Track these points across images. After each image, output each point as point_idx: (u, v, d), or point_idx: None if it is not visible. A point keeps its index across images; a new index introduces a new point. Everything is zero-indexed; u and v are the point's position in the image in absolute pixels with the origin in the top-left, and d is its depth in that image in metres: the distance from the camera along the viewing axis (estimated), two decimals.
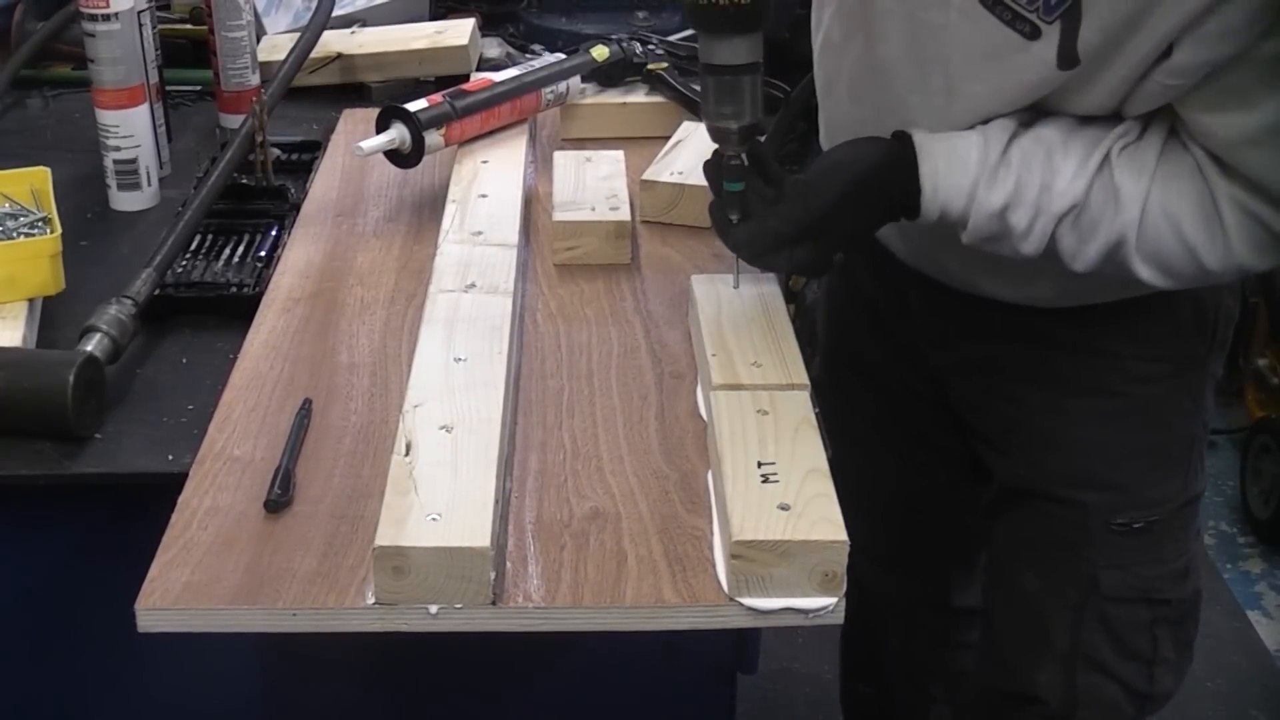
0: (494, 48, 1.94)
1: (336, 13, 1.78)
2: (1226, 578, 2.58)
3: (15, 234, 1.24)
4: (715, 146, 1.12)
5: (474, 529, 0.87)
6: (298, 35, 1.68)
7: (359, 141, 1.37)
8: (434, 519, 0.88)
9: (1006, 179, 1.06)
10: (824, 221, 1.08)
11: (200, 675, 1.12)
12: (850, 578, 0.89)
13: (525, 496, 0.97)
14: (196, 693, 1.15)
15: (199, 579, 0.89)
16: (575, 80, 1.58)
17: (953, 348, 1.31)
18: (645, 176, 1.40)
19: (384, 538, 0.86)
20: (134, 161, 1.46)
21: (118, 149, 1.45)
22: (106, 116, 1.45)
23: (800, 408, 1.01)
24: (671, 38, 1.66)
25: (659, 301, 1.24)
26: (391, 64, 1.80)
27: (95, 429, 1.08)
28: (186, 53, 1.78)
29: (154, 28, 1.49)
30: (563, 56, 1.61)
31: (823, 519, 0.89)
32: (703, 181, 1.36)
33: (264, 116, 1.42)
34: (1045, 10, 1.01)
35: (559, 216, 1.32)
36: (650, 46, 1.63)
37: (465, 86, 1.47)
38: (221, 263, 1.33)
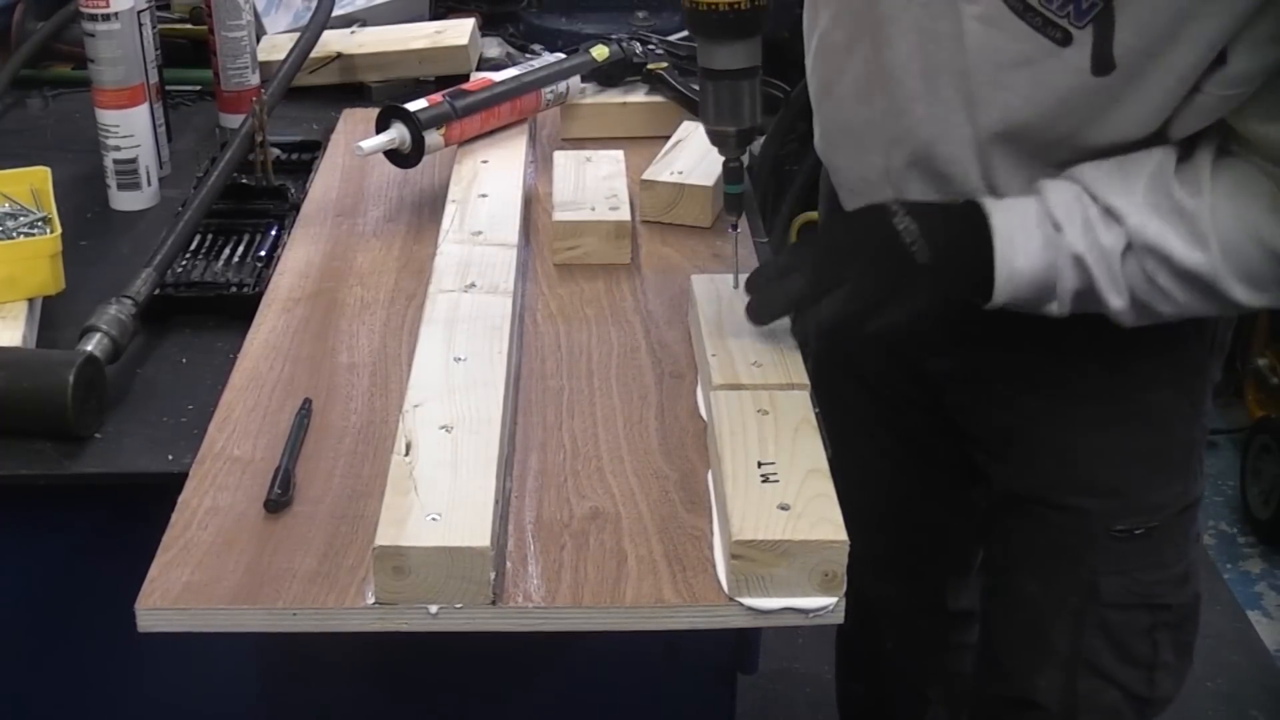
0: (494, 48, 1.94)
1: (336, 13, 1.78)
2: (1226, 578, 2.58)
3: (15, 234, 1.24)
4: (715, 147, 1.12)
5: (474, 529, 0.87)
6: (298, 35, 1.68)
7: (359, 141, 1.37)
8: (434, 519, 0.88)
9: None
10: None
11: (200, 675, 1.12)
12: (846, 579, 0.89)
13: (525, 496, 0.97)
14: (196, 693, 1.15)
15: (199, 579, 0.89)
16: (575, 80, 1.58)
17: (950, 354, 1.31)
18: (645, 176, 1.40)
19: (384, 537, 0.86)
20: (134, 161, 1.46)
21: (118, 149, 1.45)
22: (106, 116, 1.45)
23: (800, 408, 1.01)
24: (671, 37, 1.66)
25: (659, 301, 1.24)
26: (391, 64, 1.80)
27: (95, 429, 1.08)
28: (186, 53, 1.78)
29: (154, 28, 1.49)
30: (563, 56, 1.61)
31: (823, 519, 0.89)
32: (703, 181, 1.37)
33: (264, 116, 1.42)
34: (1076, 15, 0.99)
35: (559, 216, 1.32)
36: (650, 46, 1.63)
37: (465, 86, 1.47)
38: (221, 263, 1.33)
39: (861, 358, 1.44)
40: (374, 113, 1.41)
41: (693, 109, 1.56)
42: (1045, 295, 1.08)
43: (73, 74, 1.78)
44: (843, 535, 0.87)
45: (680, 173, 1.39)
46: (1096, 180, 1.06)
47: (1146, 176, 1.05)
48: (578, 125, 1.59)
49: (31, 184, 1.29)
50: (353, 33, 1.85)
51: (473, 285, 1.18)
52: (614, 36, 1.63)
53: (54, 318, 1.22)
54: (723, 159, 1.13)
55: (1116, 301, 1.07)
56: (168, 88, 1.58)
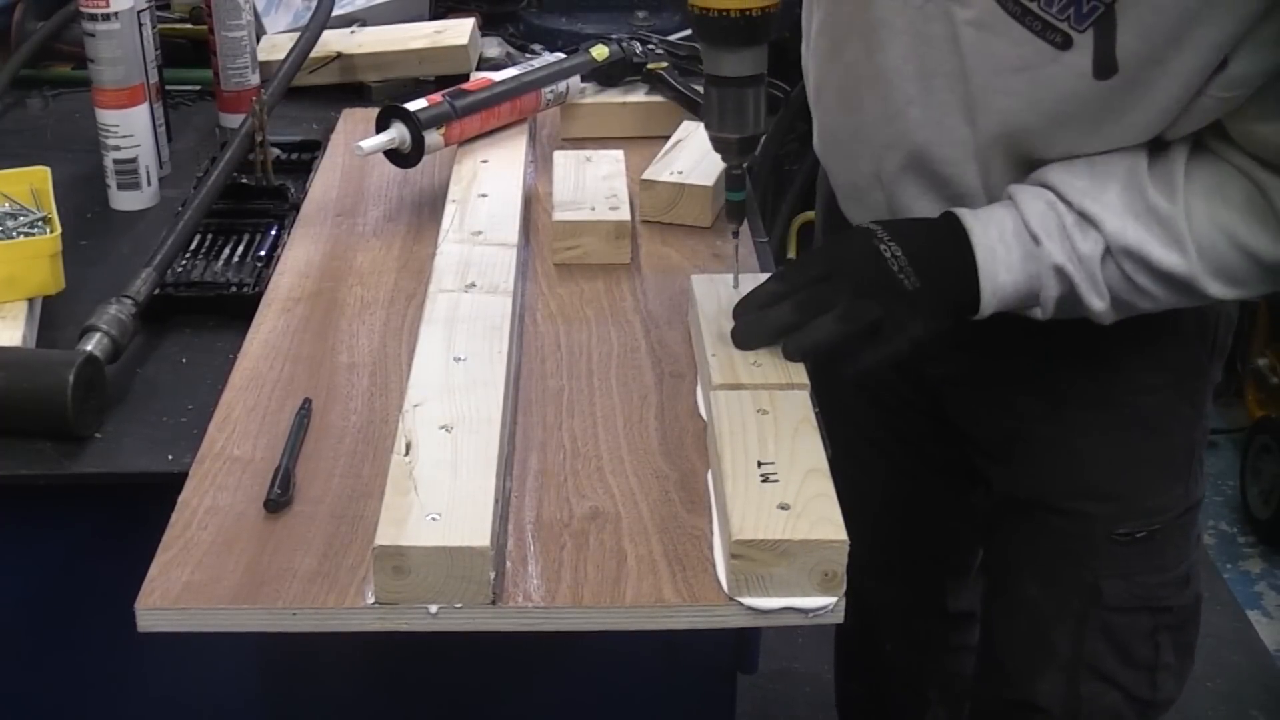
0: (494, 47, 1.94)
1: (336, 12, 1.78)
2: (1226, 578, 2.58)
3: (15, 234, 1.24)
4: (718, 154, 1.12)
5: (474, 529, 0.87)
6: (298, 35, 1.68)
7: (359, 141, 1.37)
8: (434, 519, 0.88)
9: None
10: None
11: (200, 675, 1.12)
12: (846, 579, 0.89)
13: (525, 496, 0.97)
14: (196, 693, 1.15)
15: (199, 579, 0.89)
16: (575, 80, 1.57)
17: (951, 360, 1.31)
18: (645, 176, 1.40)
19: (384, 537, 0.86)
20: (134, 161, 1.46)
21: (118, 149, 1.45)
22: (106, 116, 1.45)
23: (800, 407, 1.01)
24: (671, 37, 1.66)
25: (659, 301, 1.24)
26: (391, 64, 1.80)
27: (95, 429, 1.08)
28: (186, 53, 1.78)
29: (154, 27, 1.49)
30: (563, 56, 1.61)
31: (823, 518, 0.89)
32: (702, 181, 1.37)
33: (264, 116, 1.42)
34: (1077, 18, 0.99)
35: (559, 216, 1.32)
36: (650, 46, 1.63)
37: (465, 86, 1.47)
38: (221, 262, 1.33)
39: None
40: (374, 113, 1.41)
41: (693, 109, 1.56)
42: (1029, 303, 1.09)
43: (73, 74, 1.78)
44: (843, 535, 0.87)
45: (680, 173, 1.39)
46: (1069, 184, 1.06)
47: (1120, 179, 1.05)
48: (578, 125, 1.59)
49: (31, 184, 1.29)
50: (353, 33, 1.85)
51: (473, 285, 1.18)
52: (614, 36, 1.63)
53: (54, 318, 1.22)
54: (726, 166, 1.13)
55: (1098, 304, 1.08)
56: (168, 88, 1.58)
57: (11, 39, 1.81)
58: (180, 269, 1.30)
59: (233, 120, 1.58)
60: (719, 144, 1.10)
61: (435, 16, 1.99)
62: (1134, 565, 1.30)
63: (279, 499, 0.95)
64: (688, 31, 1.63)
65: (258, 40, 1.71)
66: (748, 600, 0.88)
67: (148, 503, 0.96)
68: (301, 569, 0.90)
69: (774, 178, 2.91)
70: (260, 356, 1.14)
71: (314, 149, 1.57)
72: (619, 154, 1.47)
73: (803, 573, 0.87)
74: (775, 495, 0.90)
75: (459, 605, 0.87)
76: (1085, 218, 1.06)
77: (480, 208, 1.32)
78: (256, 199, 1.42)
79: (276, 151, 1.50)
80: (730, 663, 1.14)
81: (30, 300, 1.20)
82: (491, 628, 0.88)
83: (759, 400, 1.01)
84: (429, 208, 1.41)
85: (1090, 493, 1.28)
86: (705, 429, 1.04)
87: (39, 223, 1.26)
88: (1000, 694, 1.41)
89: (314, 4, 1.73)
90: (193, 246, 1.34)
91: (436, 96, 1.42)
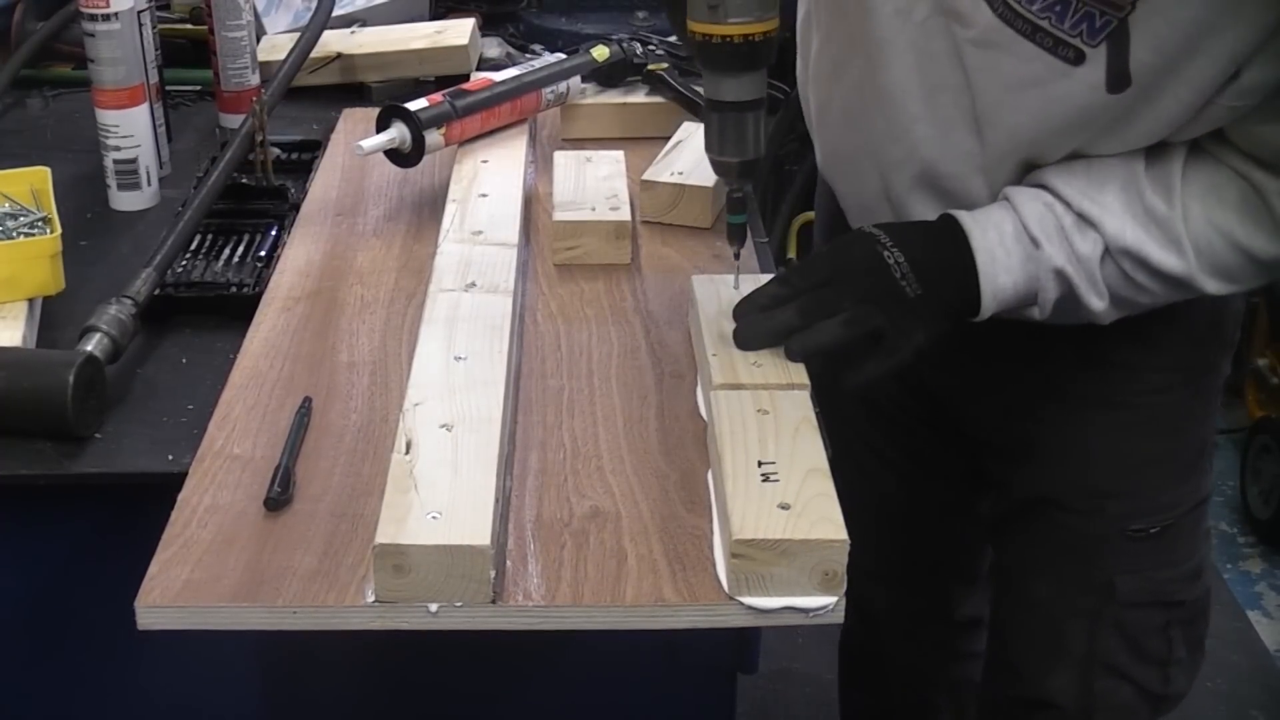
0: (494, 48, 1.94)
1: (336, 13, 1.78)
2: (1226, 578, 2.58)
3: (15, 234, 1.24)
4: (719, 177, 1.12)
5: (474, 527, 0.87)
6: (298, 35, 1.68)
7: (359, 140, 1.37)
8: (434, 517, 0.88)
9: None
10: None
11: (200, 674, 1.12)
12: (850, 593, 0.89)
13: (525, 495, 0.97)
14: (196, 692, 1.15)
15: (199, 577, 0.89)
16: (575, 80, 1.57)
17: (963, 370, 1.31)
18: (645, 177, 1.40)
19: (384, 536, 0.86)
20: (134, 161, 1.46)
21: (118, 149, 1.45)
22: (106, 116, 1.45)
23: (800, 407, 1.01)
24: (671, 38, 1.66)
25: (659, 301, 1.24)
26: (391, 64, 1.80)
27: (95, 429, 1.08)
28: (186, 53, 1.78)
29: (154, 28, 1.49)
30: (563, 56, 1.61)
31: (823, 518, 0.88)
32: (703, 182, 1.37)
33: (264, 116, 1.42)
34: (1089, 33, 0.98)
35: (559, 216, 1.32)
36: (650, 47, 1.63)
37: (465, 86, 1.47)
38: (221, 263, 1.33)
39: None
40: (374, 112, 1.41)
41: (693, 109, 1.56)
42: (1027, 304, 1.09)
43: (73, 74, 1.78)
44: (843, 534, 0.87)
45: (680, 173, 1.39)
46: (1067, 186, 1.07)
47: (1118, 180, 1.06)
48: (578, 125, 1.59)
49: (31, 184, 1.29)
50: (353, 33, 1.85)
51: (473, 285, 1.18)
52: (614, 37, 1.63)
53: (54, 318, 1.22)
54: (727, 189, 1.13)
55: (1098, 304, 1.08)
56: (168, 88, 1.58)
57: (11, 39, 1.81)
58: (180, 269, 1.30)
59: (233, 120, 1.58)
60: (719, 168, 1.10)
61: (435, 16, 1.99)
62: (1147, 561, 1.30)
63: (279, 497, 0.95)
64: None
65: (258, 40, 1.71)
66: (748, 600, 0.88)
67: (148, 503, 0.96)
68: (301, 567, 0.90)
69: (774, 178, 2.91)
70: (260, 355, 1.14)
71: (314, 149, 1.57)
72: (619, 154, 1.47)
73: (803, 572, 0.87)
74: (775, 495, 0.90)
75: (459, 604, 0.87)
76: (1084, 218, 1.06)
77: (480, 208, 1.33)
78: (256, 199, 1.42)
79: (276, 151, 1.50)
80: (730, 663, 1.14)
81: (30, 300, 1.20)
82: (491, 626, 0.88)
83: (759, 400, 1.01)
84: (429, 207, 1.41)
85: (1105, 492, 1.29)
86: (705, 429, 1.04)
87: (39, 223, 1.26)
88: (1010, 693, 1.41)
89: (314, 4, 1.73)
90: (193, 246, 1.34)
91: (437, 96, 1.42)
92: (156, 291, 1.21)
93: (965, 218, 1.08)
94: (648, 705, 1.16)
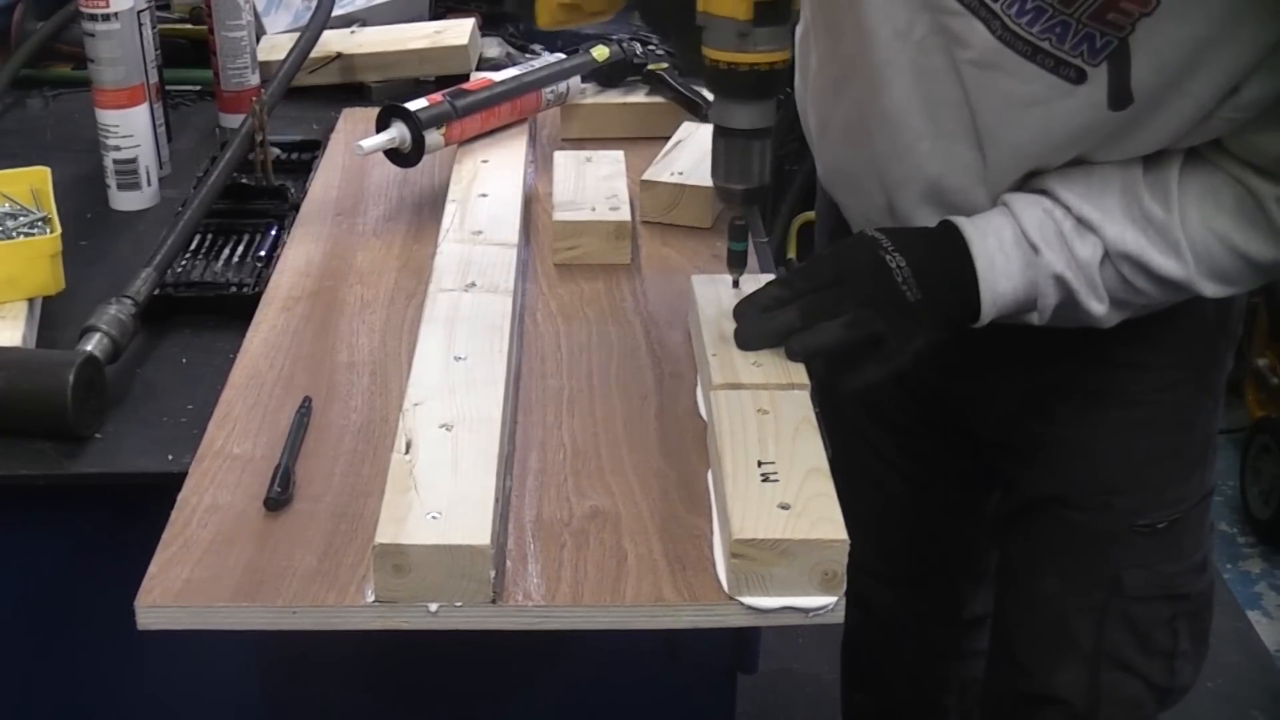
0: (494, 48, 1.94)
1: (336, 12, 1.78)
2: (1226, 578, 2.58)
3: (15, 234, 1.24)
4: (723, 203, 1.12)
5: (474, 527, 0.87)
6: (298, 35, 1.68)
7: (359, 140, 1.37)
8: (434, 517, 0.88)
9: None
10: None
11: (200, 674, 1.12)
12: (855, 596, 0.89)
13: (525, 495, 0.97)
14: (196, 691, 1.15)
15: (199, 576, 0.89)
16: (575, 80, 1.58)
17: (976, 377, 1.31)
18: (645, 177, 1.40)
19: (384, 535, 0.86)
20: (134, 161, 1.46)
21: (118, 149, 1.45)
22: (106, 116, 1.45)
23: (800, 407, 1.01)
24: None
25: (659, 301, 1.24)
26: (391, 64, 1.80)
27: (95, 429, 1.08)
28: (186, 53, 1.78)
29: (154, 28, 1.49)
30: (563, 56, 1.61)
31: (823, 518, 0.88)
32: (703, 182, 1.37)
33: (264, 116, 1.42)
34: (1090, 53, 0.99)
35: (559, 216, 1.32)
36: (650, 47, 1.63)
37: (465, 86, 1.47)
38: (221, 262, 1.33)
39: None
40: (374, 112, 1.41)
41: (693, 110, 1.56)
42: (1027, 309, 1.10)
43: (73, 74, 1.78)
44: (843, 534, 0.87)
45: (680, 174, 1.39)
46: (1067, 191, 1.07)
47: (1117, 185, 1.07)
48: (578, 125, 1.59)
49: (31, 184, 1.29)
50: (353, 33, 1.85)
51: (473, 284, 1.18)
52: (614, 37, 1.63)
53: (54, 318, 1.22)
54: (730, 216, 1.13)
55: (1098, 307, 1.09)
56: (168, 88, 1.58)
57: (11, 39, 1.81)
58: (180, 269, 1.30)
59: (233, 120, 1.58)
60: (724, 194, 1.10)
61: (435, 16, 1.99)
62: (1154, 555, 1.31)
63: (279, 497, 0.95)
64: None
65: (258, 40, 1.72)
66: (748, 599, 0.88)
67: (148, 503, 0.96)
68: (301, 567, 0.90)
69: (774, 178, 2.91)
70: (260, 355, 1.14)
71: (314, 149, 1.57)
72: (619, 154, 1.47)
73: (803, 572, 0.87)
74: (775, 495, 0.90)
75: (459, 604, 0.87)
76: (1084, 223, 1.07)
77: (480, 207, 1.33)
78: (256, 199, 1.42)
79: (276, 151, 1.50)
80: (730, 663, 1.14)
81: (30, 300, 1.20)
82: (491, 626, 0.88)
83: (759, 400, 1.01)
84: (429, 207, 1.41)
85: (1115, 488, 1.30)
86: (705, 429, 1.04)
87: (39, 223, 1.26)
88: (1016, 689, 1.41)
89: (314, 4, 1.73)
90: (193, 246, 1.34)
91: (437, 96, 1.43)
92: (156, 291, 1.21)
93: (965, 224, 1.09)
94: (648, 705, 1.16)
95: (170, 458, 1.05)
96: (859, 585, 0.89)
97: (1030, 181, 1.10)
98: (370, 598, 0.87)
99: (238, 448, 1.02)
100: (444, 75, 1.78)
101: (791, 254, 2.92)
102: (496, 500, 0.91)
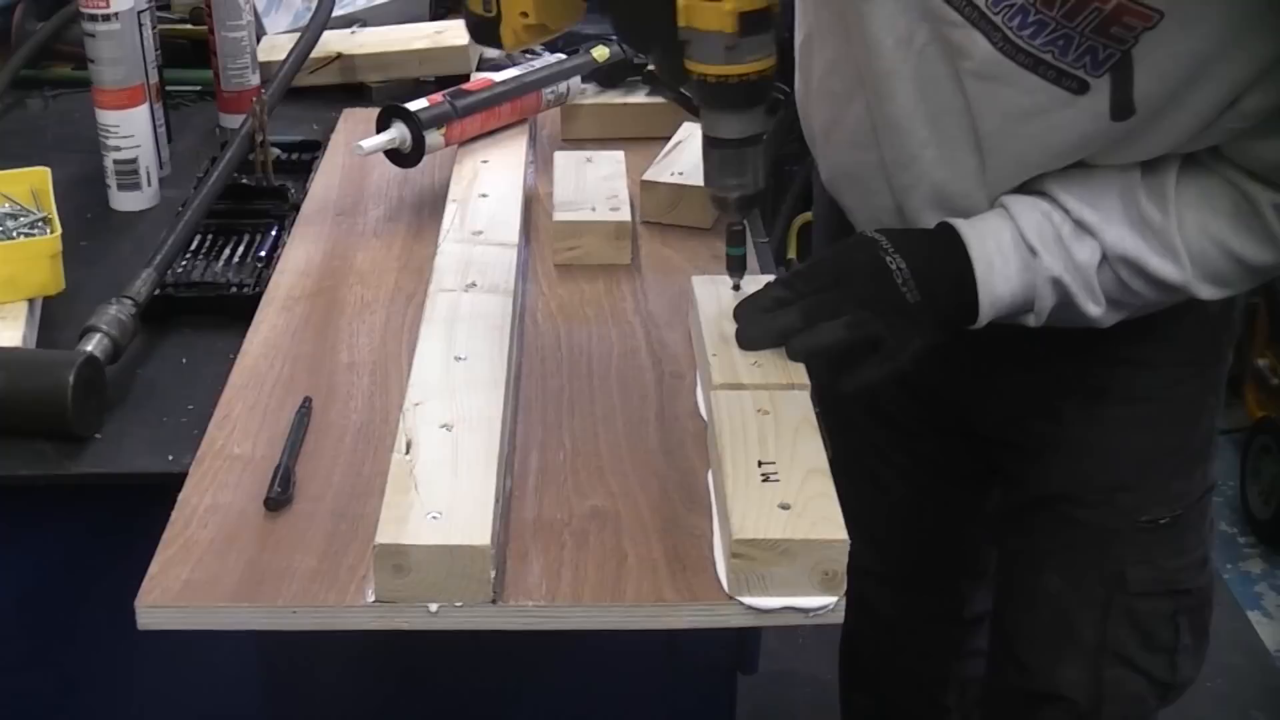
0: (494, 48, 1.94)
1: (336, 13, 1.78)
2: (1226, 578, 2.58)
3: (15, 234, 1.24)
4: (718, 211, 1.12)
5: (474, 527, 0.87)
6: (298, 35, 1.68)
7: (359, 140, 1.37)
8: (434, 517, 0.88)
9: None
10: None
11: (200, 674, 1.12)
12: (856, 596, 0.89)
13: (525, 495, 0.97)
14: (196, 692, 1.15)
15: (199, 576, 0.89)
16: (575, 80, 1.58)
17: (981, 371, 1.31)
18: (646, 177, 1.40)
19: (384, 535, 0.86)
20: (134, 161, 1.46)
21: (118, 149, 1.45)
22: (106, 116, 1.45)
23: (801, 407, 1.01)
24: None
25: (659, 302, 1.24)
26: (391, 64, 1.80)
27: (95, 429, 1.08)
28: (186, 53, 1.78)
29: (154, 28, 1.49)
30: (563, 56, 1.61)
31: (823, 518, 0.88)
32: (702, 182, 1.37)
33: (264, 116, 1.42)
34: (1093, 65, 0.99)
35: (559, 216, 1.32)
36: None
37: (465, 86, 1.47)
38: (221, 263, 1.33)
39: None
40: (374, 113, 1.41)
41: (693, 110, 1.55)
42: (1024, 311, 1.10)
43: (73, 74, 1.78)
44: (843, 534, 0.87)
45: (681, 174, 1.39)
46: (1065, 193, 1.08)
47: (1116, 189, 1.07)
48: (578, 126, 1.59)
49: (31, 184, 1.29)
50: (353, 33, 1.85)
51: (473, 285, 1.18)
52: (614, 37, 1.63)
53: (54, 318, 1.22)
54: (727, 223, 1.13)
55: (1095, 310, 1.10)
56: (168, 88, 1.58)
57: (11, 39, 1.81)
58: (180, 269, 1.30)
59: (233, 120, 1.58)
60: (719, 202, 1.10)
61: (435, 17, 1.99)
62: (1157, 551, 1.32)
63: (279, 497, 0.95)
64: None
65: (258, 40, 1.71)
66: (748, 599, 0.88)
67: (148, 503, 0.96)
68: (301, 567, 0.90)
69: (774, 178, 2.91)
70: (260, 355, 1.14)
71: (314, 149, 1.57)
72: (619, 155, 1.47)
73: (803, 572, 0.87)
74: (776, 495, 0.90)
75: (459, 604, 0.87)
76: (1082, 226, 1.07)
77: (480, 208, 1.33)
78: (256, 199, 1.42)
79: (276, 151, 1.50)
80: (730, 663, 1.14)
81: (30, 300, 1.20)
82: (492, 626, 0.88)
83: (759, 400, 1.01)
84: (429, 208, 1.41)
85: (1120, 485, 1.30)
86: (705, 429, 1.04)
87: (39, 223, 1.26)
88: (1017, 686, 1.41)
89: (314, 4, 1.73)
90: (193, 247, 1.34)
91: (437, 96, 1.43)
92: (156, 292, 1.21)
93: (964, 226, 1.09)
94: (648, 705, 1.16)
95: (170, 458, 1.05)
96: (859, 585, 0.89)
97: (1030, 183, 1.10)
98: (370, 598, 0.87)
99: (238, 448, 1.02)
100: (444, 76, 1.78)
101: (792, 254, 2.91)
102: (497, 500, 0.91)
